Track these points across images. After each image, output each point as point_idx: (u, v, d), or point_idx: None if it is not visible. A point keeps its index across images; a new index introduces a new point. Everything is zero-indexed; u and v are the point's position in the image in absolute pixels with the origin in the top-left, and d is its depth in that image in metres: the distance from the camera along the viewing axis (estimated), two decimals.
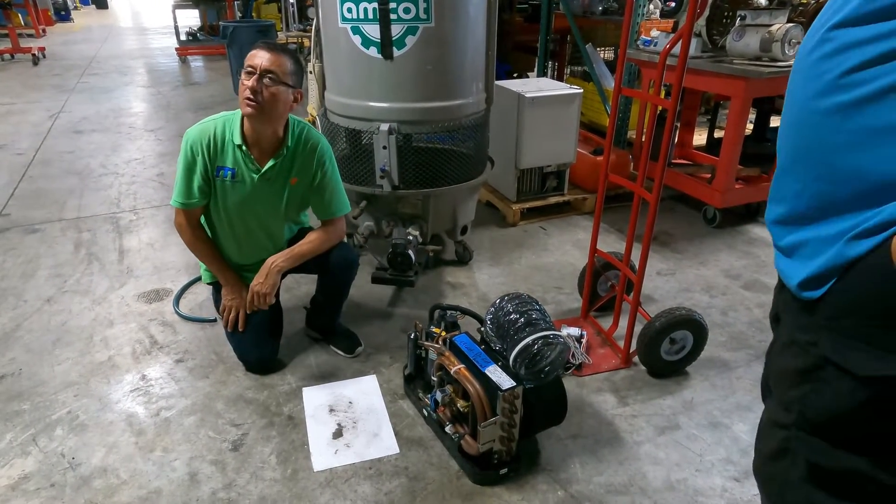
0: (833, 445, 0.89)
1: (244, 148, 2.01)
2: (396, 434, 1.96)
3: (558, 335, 1.70)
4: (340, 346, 2.39)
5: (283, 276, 2.19)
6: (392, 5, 2.31)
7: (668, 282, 2.92)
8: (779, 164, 0.93)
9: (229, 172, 2.04)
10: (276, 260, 2.10)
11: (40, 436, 1.95)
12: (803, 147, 0.87)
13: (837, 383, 0.84)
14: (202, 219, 2.18)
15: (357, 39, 2.40)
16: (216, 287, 2.29)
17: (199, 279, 2.88)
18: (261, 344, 2.23)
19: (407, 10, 2.32)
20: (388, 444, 1.92)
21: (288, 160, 2.08)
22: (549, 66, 5.28)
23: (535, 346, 1.66)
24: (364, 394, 2.15)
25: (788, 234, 0.91)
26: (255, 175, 2.05)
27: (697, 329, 2.18)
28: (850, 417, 0.85)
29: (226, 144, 2.02)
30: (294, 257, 2.13)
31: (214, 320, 2.53)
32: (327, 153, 2.15)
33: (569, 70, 5.85)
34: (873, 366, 0.79)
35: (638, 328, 2.23)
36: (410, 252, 2.51)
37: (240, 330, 2.19)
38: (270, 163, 2.04)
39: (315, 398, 2.12)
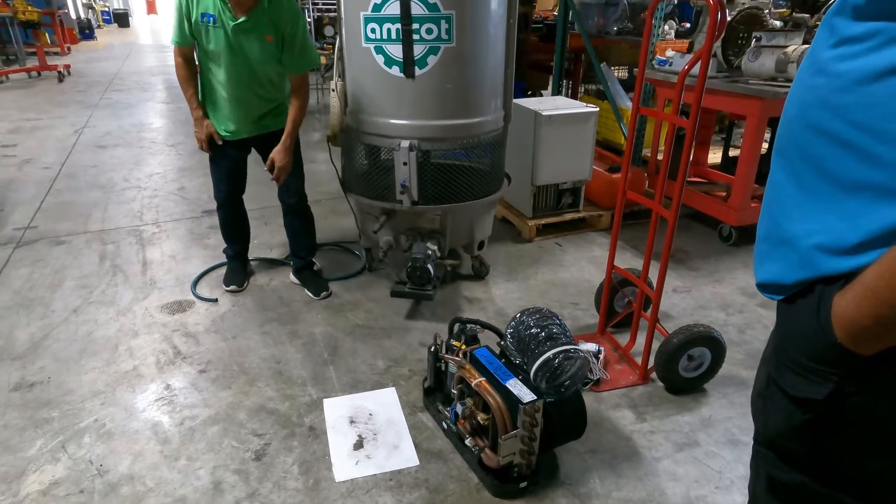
0: (781, 459, 0.93)
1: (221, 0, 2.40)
2: (416, 446, 1.98)
3: (579, 350, 1.72)
4: (311, 290, 2.93)
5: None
6: (415, 26, 2.37)
7: (685, 299, 2.93)
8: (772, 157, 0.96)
9: (210, 18, 2.44)
10: (286, 142, 2.60)
11: (69, 443, 1.99)
12: (784, 140, 0.89)
13: (779, 402, 0.89)
14: (207, 67, 2.59)
15: (380, 59, 2.47)
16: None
17: (217, 266, 3.21)
18: (229, 187, 2.86)
19: (429, 31, 2.38)
20: (408, 456, 1.94)
21: (262, 17, 2.43)
22: (564, 84, 5.34)
23: (556, 360, 1.68)
24: (384, 406, 2.17)
25: (761, 222, 0.95)
26: (231, 23, 2.42)
27: (715, 346, 2.19)
28: (791, 437, 0.89)
29: None
30: (293, 131, 2.61)
31: (216, 301, 2.90)
32: (297, 14, 2.51)
33: (583, 88, 5.91)
34: (802, 388, 0.83)
35: (655, 345, 2.25)
36: (429, 266, 2.55)
37: (208, 152, 2.72)
38: (244, 17, 2.41)
39: (336, 409, 2.15)
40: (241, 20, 2.41)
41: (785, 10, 3.71)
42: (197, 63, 2.65)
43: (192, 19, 2.45)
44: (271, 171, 2.67)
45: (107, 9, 24.37)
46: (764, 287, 0.92)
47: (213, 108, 2.67)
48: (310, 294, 2.93)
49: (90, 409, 2.15)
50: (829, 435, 0.84)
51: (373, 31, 2.43)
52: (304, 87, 2.63)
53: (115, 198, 4.28)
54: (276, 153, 2.61)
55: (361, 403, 2.19)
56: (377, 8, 2.38)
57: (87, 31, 17.06)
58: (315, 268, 3.08)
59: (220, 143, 2.68)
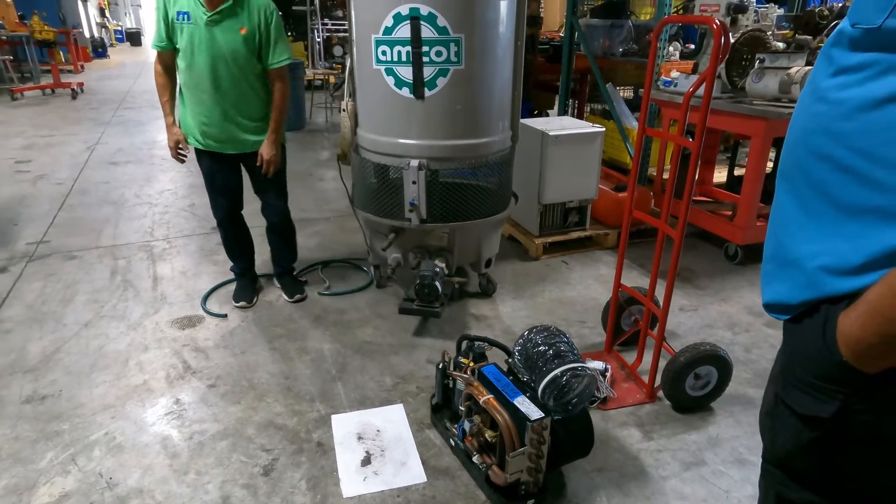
0: (791, 479, 0.94)
1: None
2: (424, 463, 1.99)
3: (586, 367, 1.74)
4: (286, 293, 3.10)
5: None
6: (425, 49, 2.43)
7: (691, 318, 2.94)
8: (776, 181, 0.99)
9: (185, 15, 2.52)
10: (270, 136, 2.70)
11: (79, 456, 2.01)
12: (787, 165, 0.92)
13: (787, 420, 0.90)
14: (184, 73, 2.64)
15: (391, 80, 2.52)
16: (198, 153, 2.82)
17: (227, 282, 3.23)
18: (224, 204, 2.92)
19: (439, 54, 2.44)
20: (415, 473, 1.95)
21: (235, 11, 2.52)
22: (570, 104, 5.40)
23: (564, 378, 1.69)
24: (391, 422, 2.18)
25: (767, 244, 0.97)
26: (204, 16, 2.49)
27: (722, 365, 2.19)
28: (800, 455, 0.90)
29: None
30: (276, 126, 2.70)
31: (225, 316, 2.95)
32: (272, 10, 2.60)
33: (589, 108, 5.97)
34: (809, 406, 0.85)
35: (662, 363, 2.26)
36: (437, 283, 2.57)
37: (177, 161, 2.81)
38: (218, 9, 2.49)
39: (343, 426, 2.16)
40: (213, 14, 2.49)
41: (788, 31, 3.77)
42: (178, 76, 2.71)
43: (170, 19, 2.53)
44: (258, 172, 2.75)
45: (119, 28, 24.85)
46: (770, 307, 0.94)
47: (196, 119, 2.69)
48: (285, 297, 3.09)
49: (100, 423, 2.17)
50: (836, 453, 0.86)
51: (384, 53, 2.49)
52: (285, 83, 2.70)
53: (126, 214, 4.34)
54: (263, 147, 2.71)
55: (369, 420, 2.20)
56: (388, 31, 2.44)
57: (100, 50, 17.41)
58: (324, 278, 3.19)
59: (186, 152, 2.77)
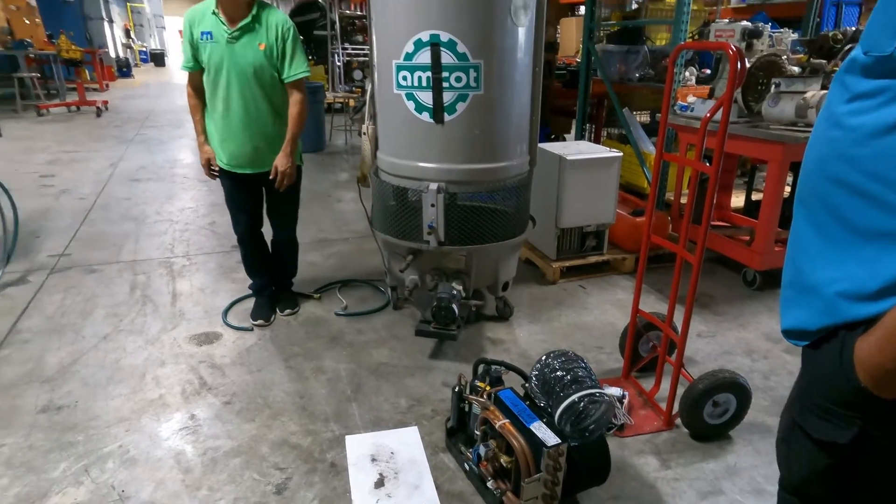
0: None
1: (216, 12, 2.61)
2: (437, 487, 1.97)
3: (604, 393, 1.72)
4: (279, 307, 3.16)
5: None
6: (444, 74, 2.47)
7: (709, 344, 2.90)
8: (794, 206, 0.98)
9: (208, 35, 2.62)
10: (286, 149, 2.75)
11: (92, 467, 2.03)
12: (805, 190, 0.93)
13: (803, 446, 0.90)
14: (209, 91, 2.73)
15: (411, 105, 2.56)
16: (223, 174, 2.88)
17: (245, 297, 3.29)
18: (244, 220, 2.98)
19: (458, 80, 2.48)
20: (428, 497, 1.93)
21: (254, 27, 2.62)
22: (587, 128, 5.43)
23: (581, 404, 1.68)
24: (406, 445, 2.17)
25: (786, 270, 0.96)
26: (225, 34, 2.60)
27: (741, 392, 2.16)
28: (815, 482, 0.90)
29: (205, 13, 2.64)
30: (292, 138, 2.75)
31: (251, 329, 3.01)
32: (288, 25, 2.69)
33: (605, 133, 6.00)
34: (827, 432, 0.85)
35: (680, 390, 2.23)
36: (454, 306, 2.57)
37: (210, 178, 2.90)
38: (238, 26, 2.60)
39: (358, 447, 2.16)
40: (234, 31, 2.59)
41: (802, 56, 3.77)
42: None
43: (194, 40, 2.65)
44: (274, 192, 2.82)
45: (144, 49, 25.49)
46: (789, 333, 0.94)
47: (217, 136, 2.78)
48: (277, 310, 3.16)
49: (115, 435, 2.19)
50: (852, 480, 0.85)
51: (404, 78, 2.53)
52: (302, 95, 2.76)
53: (147, 230, 4.41)
54: (278, 159, 2.75)
55: (384, 441, 2.19)
56: (409, 57, 2.49)
57: (124, 70, 17.86)
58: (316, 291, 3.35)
59: (217, 170, 2.84)
